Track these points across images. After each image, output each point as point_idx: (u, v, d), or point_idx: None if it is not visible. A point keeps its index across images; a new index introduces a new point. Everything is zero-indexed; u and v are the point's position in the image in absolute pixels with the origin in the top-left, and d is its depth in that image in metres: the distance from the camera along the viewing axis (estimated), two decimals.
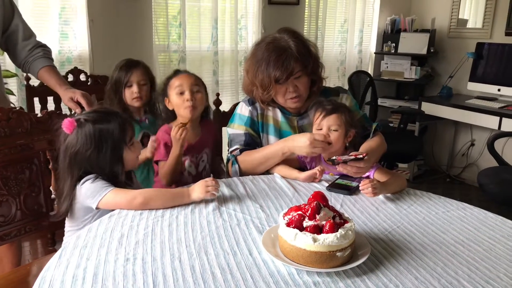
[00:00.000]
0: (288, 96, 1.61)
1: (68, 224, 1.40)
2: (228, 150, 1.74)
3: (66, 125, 1.28)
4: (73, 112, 1.81)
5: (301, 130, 1.68)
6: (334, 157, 1.43)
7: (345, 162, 1.40)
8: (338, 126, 1.52)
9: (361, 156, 1.40)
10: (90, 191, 1.25)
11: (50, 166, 1.63)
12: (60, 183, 1.34)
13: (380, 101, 4.14)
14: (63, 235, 1.45)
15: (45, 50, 1.84)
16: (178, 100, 1.67)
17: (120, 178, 1.34)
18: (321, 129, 1.53)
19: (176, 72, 1.79)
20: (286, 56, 1.55)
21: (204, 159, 1.81)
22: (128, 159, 1.34)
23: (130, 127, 1.36)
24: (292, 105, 1.64)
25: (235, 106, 2.03)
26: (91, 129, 1.27)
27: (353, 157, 1.40)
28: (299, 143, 1.49)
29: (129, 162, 1.35)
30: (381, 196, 1.40)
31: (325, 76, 1.72)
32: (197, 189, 1.29)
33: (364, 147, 1.54)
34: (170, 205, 1.28)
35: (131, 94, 1.85)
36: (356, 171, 1.42)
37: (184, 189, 1.32)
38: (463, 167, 4.17)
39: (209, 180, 1.31)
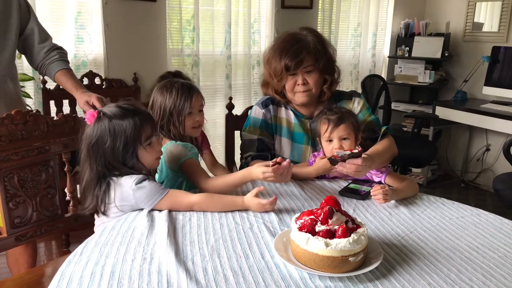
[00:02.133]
0: (297, 89, 1.63)
1: (100, 220, 1.40)
2: (242, 155, 1.75)
3: (88, 117, 1.32)
4: None
5: (313, 132, 1.68)
6: (331, 156, 1.41)
7: (343, 160, 1.39)
8: (348, 135, 1.53)
9: (356, 150, 1.39)
10: (145, 194, 1.27)
11: (65, 169, 1.65)
12: (82, 175, 1.35)
13: (393, 105, 4.11)
14: (77, 236, 1.47)
15: (61, 53, 1.87)
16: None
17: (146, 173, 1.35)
18: (331, 140, 1.53)
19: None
20: (299, 45, 1.59)
21: None
22: (144, 158, 1.33)
23: (149, 127, 1.34)
24: (300, 99, 1.65)
25: (247, 109, 2.04)
26: (107, 124, 1.29)
27: (348, 152, 1.39)
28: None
29: (145, 161, 1.34)
30: (394, 201, 1.39)
31: (340, 81, 1.73)
32: (253, 206, 1.30)
33: (370, 150, 1.53)
34: (222, 211, 1.32)
35: (191, 123, 1.58)
36: (356, 170, 1.38)
37: (238, 200, 1.32)
38: (478, 172, 4.12)
39: (266, 201, 1.30)
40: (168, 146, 1.53)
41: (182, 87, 1.57)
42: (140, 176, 1.29)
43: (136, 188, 1.27)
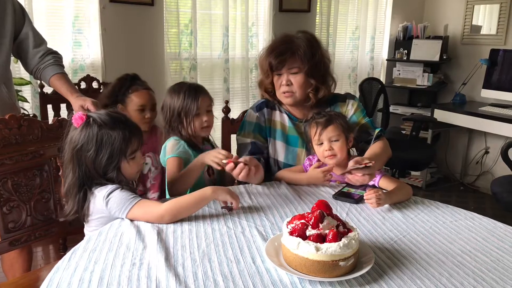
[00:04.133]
0: (281, 90, 1.65)
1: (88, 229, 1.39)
2: None
3: (76, 119, 1.29)
4: None
5: (307, 136, 1.69)
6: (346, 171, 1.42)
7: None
8: (338, 136, 1.53)
9: (370, 164, 1.38)
10: (116, 203, 1.25)
11: (60, 173, 1.65)
12: (64, 177, 1.34)
13: (392, 108, 4.11)
14: (75, 240, 1.46)
15: (56, 57, 1.88)
16: (137, 116, 1.81)
17: (125, 184, 1.33)
18: (321, 143, 1.54)
19: (133, 84, 1.82)
20: (286, 46, 1.62)
21: (148, 162, 1.84)
22: (125, 171, 1.32)
23: (137, 141, 1.33)
24: (284, 99, 1.68)
25: (243, 113, 2.04)
26: (95, 131, 1.27)
27: (363, 165, 1.38)
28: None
29: (127, 174, 1.33)
30: (387, 205, 1.39)
31: (336, 86, 1.74)
32: (222, 190, 1.30)
33: (368, 153, 1.53)
34: (199, 209, 1.31)
35: (200, 123, 1.65)
36: (361, 179, 1.41)
37: (207, 190, 1.28)
38: (477, 175, 4.11)
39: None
40: (169, 141, 1.64)
41: (189, 89, 1.65)
42: (113, 186, 1.27)
43: (108, 199, 1.25)
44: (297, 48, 1.60)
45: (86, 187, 1.30)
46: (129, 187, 1.32)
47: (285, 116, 1.73)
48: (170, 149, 1.61)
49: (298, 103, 1.68)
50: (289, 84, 1.63)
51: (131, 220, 1.24)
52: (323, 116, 1.56)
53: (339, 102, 1.72)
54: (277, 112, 1.74)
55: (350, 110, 1.70)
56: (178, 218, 1.25)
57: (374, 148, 1.58)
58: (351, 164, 1.39)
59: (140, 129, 1.39)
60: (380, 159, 1.54)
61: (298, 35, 1.66)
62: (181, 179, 1.51)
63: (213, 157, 1.45)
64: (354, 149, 1.63)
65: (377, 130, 1.63)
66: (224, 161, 1.42)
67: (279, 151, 1.70)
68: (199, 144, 1.71)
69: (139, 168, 1.39)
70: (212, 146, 1.79)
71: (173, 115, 1.64)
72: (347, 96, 1.74)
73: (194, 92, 1.63)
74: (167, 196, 1.61)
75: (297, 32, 1.68)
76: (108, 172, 1.29)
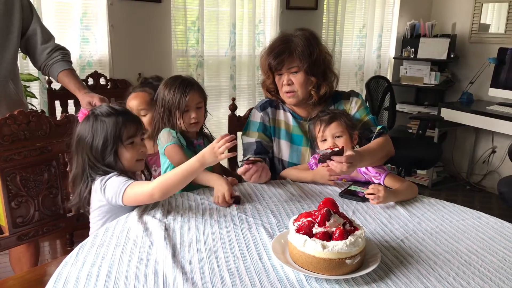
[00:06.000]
0: (283, 90, 1.67)
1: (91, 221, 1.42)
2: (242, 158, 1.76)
3: (80, 115, 1.39)
4: None
5: (311, 134, 1.69)
6: (316, 154, 1.43)
7: (325, 158, 1.37)
8: (342, 132, 1.55)
9: (337, 148, 1.37)
10: (112, 188, 1.28)
11: (67, 169, 1.67)
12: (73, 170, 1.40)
13: (399, 107, 4.09)
14: (82, 235, 1.48)
15: (64, 53, 1.89)
16: None
17: (126, 173, 1.36)
18: (325, 140, 1.54)
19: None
20: (284, 46, 1.62)
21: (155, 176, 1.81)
22: (124, 157, 1.35)
23: (133, 127, 1.37)
24: (287, 100, 1.70)
25: (250, 111, 2.04)
26: (92, 121, 1.35)
27: (329, 150, 1.38)
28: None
29: (125, 160, 1.36)
30: (393, 203, 1.39)
31: (339, 81, 1.74)
32: (209, 156, 1.26)
33: (362, 148, 1.52)
34: (188, 183, 1.29)
35: (188, 119, 1.63)
36: (340, 168, 1.34)
37: (194, 163, 1.26)
38: (483, 174, 4.09)
39: (216, 142, 1.26)
40: (161, 132, 1.63)
41: (180, 84, 1.62)
42: (110, 174, 1.31)
43: (105, 186, 1.29)
44: (294, 47, 1.61)
45: (90, 179, 1.34)
46: (127, 175, 1.35)
47: (289, 115, 1.73)
48: (164, 138, 1.60)
49: (301, 102, 1.68)
50: (290, 84, 1.64)
51: (138, 216, 1.25)
52: (327, 114, 1.58)
53: (342, 100, 1.72)
54: (281, 111, 1.74)
55: (353, 107, 1.70)
56: (169, 195, 1.30)
57: (370, 144, 1.57)
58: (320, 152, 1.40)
59: (138, 118, 1.45)
60: (374, 154, 1.52)
61: (296, 33, 1.66)
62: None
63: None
64: (358, 146, 1.63)
65: (378, 127, 1.63)
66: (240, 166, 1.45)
67: (284, 150, 1.71)
68: (192, 137, 1.68)
69: (140, 157, 1.40)
70: (209, 140, 1.72)
71: (165, 109, 1.62)
72: (351, 94, 1.75)
73: (183, 88, 1.61)
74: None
75: (295, 30, 1.68)
76: (106, 156, 1.33)
